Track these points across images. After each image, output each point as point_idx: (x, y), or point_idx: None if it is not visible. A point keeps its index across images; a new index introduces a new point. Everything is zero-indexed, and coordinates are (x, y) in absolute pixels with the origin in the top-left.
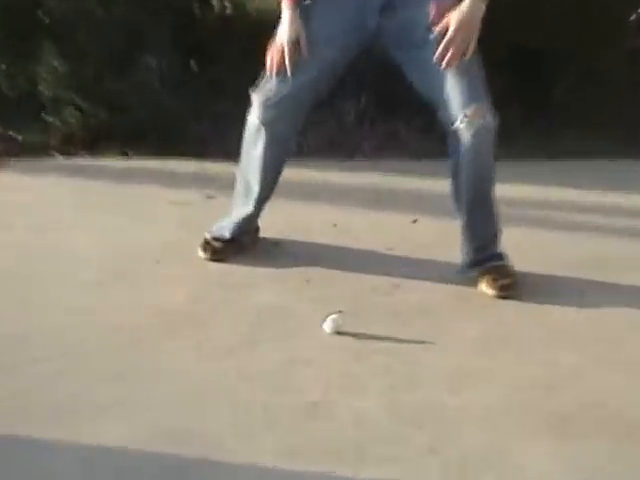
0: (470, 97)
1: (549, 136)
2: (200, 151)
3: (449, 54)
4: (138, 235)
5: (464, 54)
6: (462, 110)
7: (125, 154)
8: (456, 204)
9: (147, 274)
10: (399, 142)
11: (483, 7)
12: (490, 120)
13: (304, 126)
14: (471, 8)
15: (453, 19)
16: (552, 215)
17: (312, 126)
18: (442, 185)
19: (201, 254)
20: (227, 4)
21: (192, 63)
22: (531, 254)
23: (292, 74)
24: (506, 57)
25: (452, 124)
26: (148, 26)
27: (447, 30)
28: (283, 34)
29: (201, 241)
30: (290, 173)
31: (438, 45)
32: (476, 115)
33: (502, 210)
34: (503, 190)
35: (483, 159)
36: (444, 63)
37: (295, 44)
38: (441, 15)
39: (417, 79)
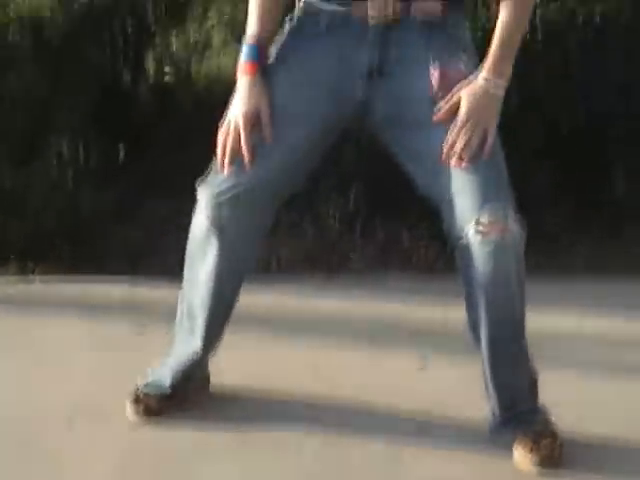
0: (486, 199)
1: (610, 244)
2: (128, 267)
3: (459, 145)
4: (43, 388)
5: (480, 148)
6: (474, 216)
7: (26, 273)
8: (474, 335)
9: (54, 442)
10: (400, 253)
11: (504, 86)
12: (515, 230)
13: (272, 233)
14: (488, 85)
15: (465, 97)
16: (617, 355)
17: (283, 234)
18: (459, 311)
19: (130, 412)
20: (166, 69)
21: (119, 148)
22: (588, 410)
23: (251, 162)
24: (543, 142)
25: (461, 236)
26: (61, 100)
27: (455, 110)
28: (238, 109)
29: (130, 394)
30: (253, 297)
31: (442, 124)
32: (494, 224)
33: (546, 348)
34: (543, 319)
35: (505, 285)
36: (453, 159)
37: (254, 122)
38: (447, 85)
39: (414, 170)
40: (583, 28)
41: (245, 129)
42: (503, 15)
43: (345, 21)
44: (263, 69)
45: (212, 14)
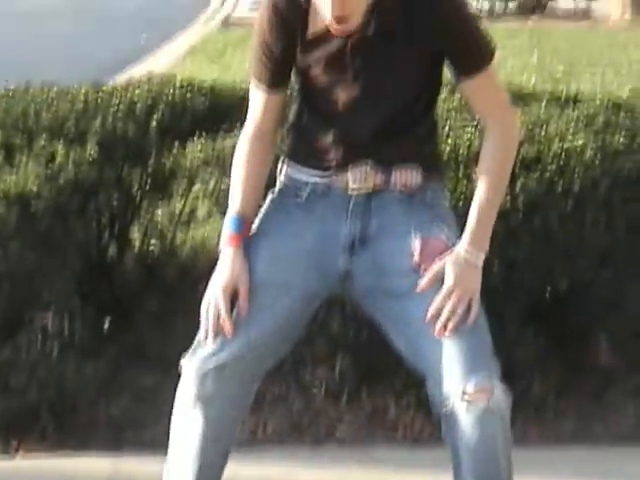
0: (471, 369)
1: (595, 412)
2: (113, 443)
3: (445, 314)
4: None
5: (465, 317)
6: (460, 387)
7: (9, 450)
8: None
9: None
10: (387, 423)
11: (483, 257)
12: (501, 398)
13: (258, 402)
14: (470, 255)
15: (449, 266)
16: None
17: (269, 403)
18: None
19: None
20: (152, 241)
21: (104, 320)
22: None
23: (231, 334)
24: (528, 307)
25: (447, 405)
26: (44, 272)
27: (439, 279)
28: (218, 281)
29: None
30: (238, 466)
31: (425, 293)
32: (480, 393)
33: None
34: None
35: (492, 452)
36: (438, 328)
37: (234, 295)
38: (428, 255)
39: (398, 339)
40: (563, 197)
41: (225, 302)
42: (480, 190)
43: (326, 192)
44: (245, 241)
45: (197, 187)
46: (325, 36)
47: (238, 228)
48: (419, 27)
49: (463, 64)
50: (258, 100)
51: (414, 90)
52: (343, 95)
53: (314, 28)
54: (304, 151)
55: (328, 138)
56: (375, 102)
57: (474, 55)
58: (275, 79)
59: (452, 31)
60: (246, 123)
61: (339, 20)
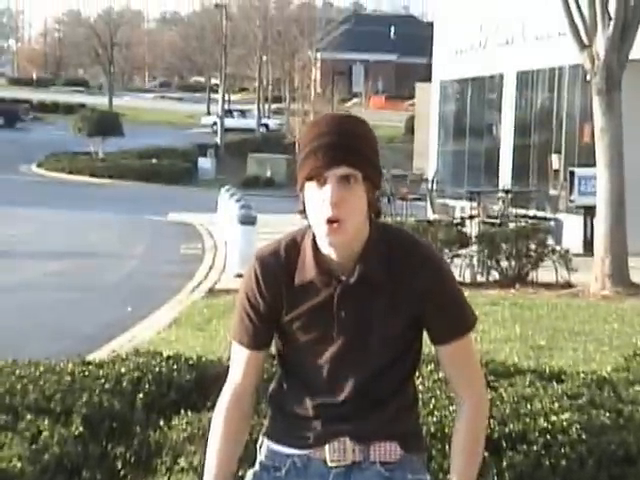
0: None
1: None
2: None
3: None
4: None
5: None
6: None
7: None
8: None
9: None
10: None
11: None
12: None
13: None
14: None
15: None
16: None
17: None
18: None
19: None
20: None
21: None
22: None
23: None
24: None
25: None
26: None
27: None
28: None
29: None
30: None
31: None
32: None
33: None
34: None
35: None
36: None
37: None
38: None
39: None
40: (551, 471)
41: None
42: (456, 469)
43: (306, 465)
44: None
45: (182, 461)
46: (312, 286)
47: None
48: (404, 287)
49: (442, 330)
50: (239, 359)
51: (396, 350)
52: (326, 354)
53: (300, 278)
54: (283, 426)
55: (307, 411)
56: (358, 361)
57: (454, 323)
58: (257, 339)
59: (434, 299)
60: (225, 386)
61: (332, 222)
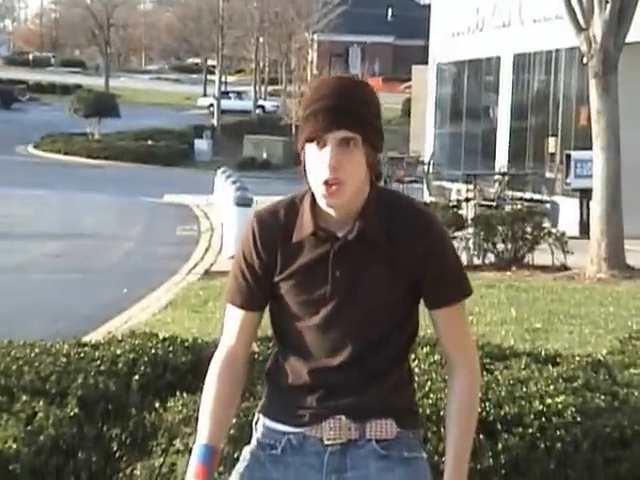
0: None
1: None
2: None
3: None
4: None
5: None
6: None
7: None
8: None
9: None
10: None
11: None
12: None
13: None
14: None
15: None
16: None
17: None
18: None
19: None
20: None
21: None
22: None
23: None
24: None
25: None
26: None
27: None
28: None
29: None
30: None
31: None
32: None
33: None
34: None
35: None
36: None
37: None
38: None
39: None
40: (546, 454)
41: None
42: (451, 444)
43: (301, 443)
44: (211, 473)
45: (177, 442)
46: (309, 243)
47: (206, 458)
48: (405, 251)
49: (442, 292)
50: (232, 321)
51: (395, 317)
52: (319, 315)
53: (298, 236)
54: (279, 403)
55: (303, 378)
56: (353, 325)
57: (453, 286)
58: (250, 299)
59: (436, 263)
60: (219, 347)
61: (331, 185)
